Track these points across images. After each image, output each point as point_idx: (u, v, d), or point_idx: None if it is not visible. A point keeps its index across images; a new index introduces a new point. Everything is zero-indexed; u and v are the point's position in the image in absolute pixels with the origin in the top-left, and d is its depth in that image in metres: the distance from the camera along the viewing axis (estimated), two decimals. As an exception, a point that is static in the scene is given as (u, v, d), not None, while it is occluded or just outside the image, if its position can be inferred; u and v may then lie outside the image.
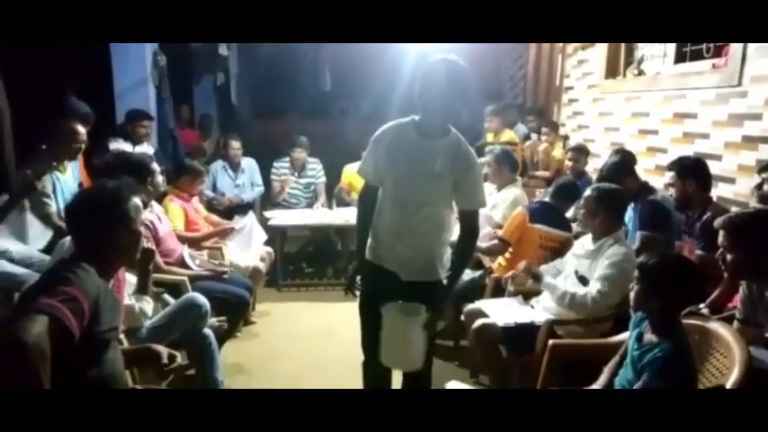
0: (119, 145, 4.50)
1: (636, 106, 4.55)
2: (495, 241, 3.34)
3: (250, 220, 4.07)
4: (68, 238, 2.49)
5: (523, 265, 2.82)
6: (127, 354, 1.88)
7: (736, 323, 2.16)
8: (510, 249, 3.31)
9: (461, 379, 2.96)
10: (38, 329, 1.39)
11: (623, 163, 3.38)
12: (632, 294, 1.92)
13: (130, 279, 2.41)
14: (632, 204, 3.23)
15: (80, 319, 1.52)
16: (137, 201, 1.82)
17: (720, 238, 2.00)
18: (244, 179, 5.18)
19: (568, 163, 4.46)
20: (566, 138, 5.77)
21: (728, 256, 1.97)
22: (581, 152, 4.48)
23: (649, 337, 1.88)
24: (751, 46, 3.24)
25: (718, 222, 2.04)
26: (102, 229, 1.72)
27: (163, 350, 1.91)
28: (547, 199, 3.46)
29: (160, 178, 3.05)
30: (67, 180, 3.39)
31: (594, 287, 2.52)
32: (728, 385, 1.78)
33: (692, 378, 1.82)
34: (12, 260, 2.92)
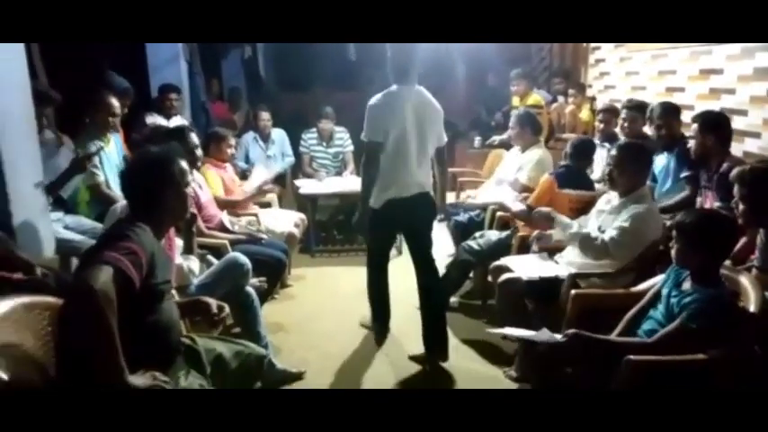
0: (154, 119, 4.70)
1: (662, 64, 4.53)
2: (523, 207, 3.38)
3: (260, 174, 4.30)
4: (119, 204, 2.70)
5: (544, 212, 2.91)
6: (180, 306, 2.06)
7: (754, 270, 2.24)
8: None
9: (488, 336, 3.11)
10: (104, 277, 1.57)
11: (673, 106, 3.46)
12: (673, 252, 2.02)
13: (178, 242, 2.59)
14: (665, 153, 3.34)
15: (139, 270, 1.69)
16: (182, 164, 1.98)
17: (735, 190, 2.07)
18: (275, 150, 5.33)
19: (599, 125, 4.25)
20: (593, 99, 5.75)
21: (740, 206, 2.05)
22: (612, 113, 4.17)
23: (688, 285, 1.98)
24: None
25: (732, 175, 2.11)
26: (152, 190, 1.88)
27: (212, 302, 2.09)
28: (566, 162, 3.50)
29: (199, 150, 3.21)
30: (111, 151, 3.59)
31: (608, 234, 2.60)
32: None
33: (728, 324, 1.88)
34: (66, 227, 3.14)
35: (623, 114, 3.90)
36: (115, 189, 3.35)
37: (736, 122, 3.51)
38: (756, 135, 3.36)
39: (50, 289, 2.36)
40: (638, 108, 3.83)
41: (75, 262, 3.11)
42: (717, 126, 2.88)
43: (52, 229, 2.97)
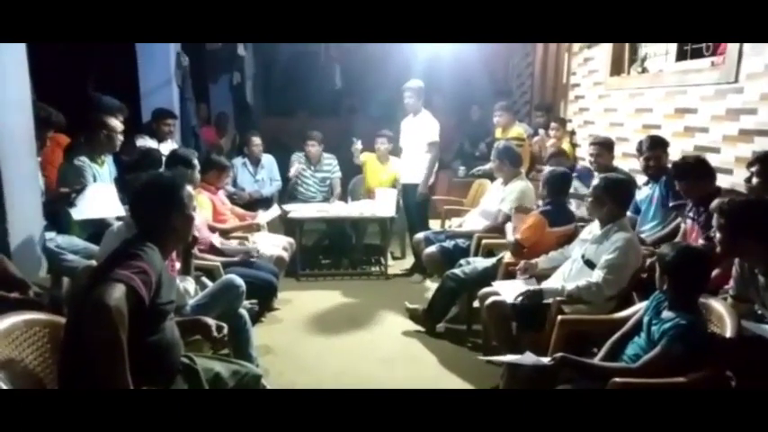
0: (145, 142, 4.74)
1: (639, 102, 4.74)
2: (512, 240, 3.46)
3: (274, 211, 4.33)
4: (117, 225, 2.74)
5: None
6: (180, 324, 2.10)
7: (729, 299, 2.38)
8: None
9: (473, 361, 3.19)
10: (118, 294, 1.62)
11: (661, 139, 3.66)
12: (657, 278, 2.16)
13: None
14: (650, 184, 3.57)
15: (149, 289, 1.75)
16: (189, 189, 2.06)
17: (714, 220, 2.22)
18: (263, 174, 5.41)
19: (590, 158, 4.31)
20: (572, 133, 5.96)
21: (719, 235, 2.19)
22: (603, 146, 4.19)
23: (668, 313, 2.10)
24: (746, 45, 3.43)
25: (712, 206, 2.26)
26: (162, 213, 1.94)
27: (212, 322, 2.14)
28: (543, 192, 3.58)
29: (198, 174, 3.28)
30: (104, 173, 3.63)
31: (600, 275, 2.71)
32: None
33: (705, 347, 2.01)
34: (58, 247, 3.15)
35: (591, 150, 4.25)
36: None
37: (710, 159, 3.69)
38: (729, 172, 3.55)
39: (44, 307, 2.39)
40: (603, 144, 4.22)
41: (66, 282, 3.13)
42: (703, 171, 3.05)
43: (46, 247, 2.99)
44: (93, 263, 2.74)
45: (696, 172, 3.04)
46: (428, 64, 6.07)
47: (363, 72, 7.40)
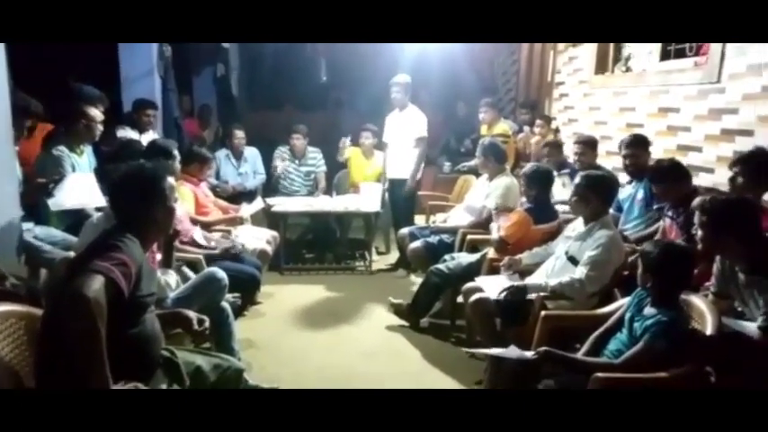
0: (126, 133, 4.67)
1: (623, 101, 4.78)
2: (497, 237, 3.46)
3: (258, 204, 4.28)
4: (96, 215, 2.69)
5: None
6: (161, 317, 2.07)
7: (710, 296, 2.40)
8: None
9: (457, 356, 3.20)
10: (97, 286, 1.58)
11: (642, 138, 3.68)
12: (639, 275, 2.17)
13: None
14: (633, 183, 3.57)
15: (129, 281, 1.71)
16: (171, 180, 2.02)
17: (695, 217, 2.24)
18: (246, 168, 5.36)
19: (574, 156, 4.36)
20: (556, 130, 5.99)
21: (700, 233, 2.21)
22: (587, 145, 4.29)
23: (650, 309, 2.12)
24: (729, 45, 3.47)
25: (694, 204, 2.28)
26: (143, 205, 1.91)
27: (192, 315, 2.12)
28: (525, 187, 3.60)
29: (178, 165, 3.23)
30: (83, 163, 3.56)
31: (583, 272, 2.72)
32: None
33: (686, 343, 2.03)
34: (36, 237, 3.09)
35: (574, 149, 4.33)
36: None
37: (692, 158, 3.75)
38: (710, 171, 3.60)
39: (22, 298, 2.33)
40: (586, 143, 4.31)
41: (43, 272, 3.07)
42: (677, 173, 3.09)
43: (23, 238, 2.93)
44: (72, 254, 2.69)
45: (672, 175, 3.08)
46: (415, 59, 6.06)
47: (350, 66, 7.36)
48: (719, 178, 3.49)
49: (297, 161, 5.43)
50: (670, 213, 3.11)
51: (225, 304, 2.80)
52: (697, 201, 2.26)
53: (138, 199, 1.91)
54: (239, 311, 3.22)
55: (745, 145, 3.25)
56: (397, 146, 5.00)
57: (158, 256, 2.60)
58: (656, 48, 4.54)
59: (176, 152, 3.21)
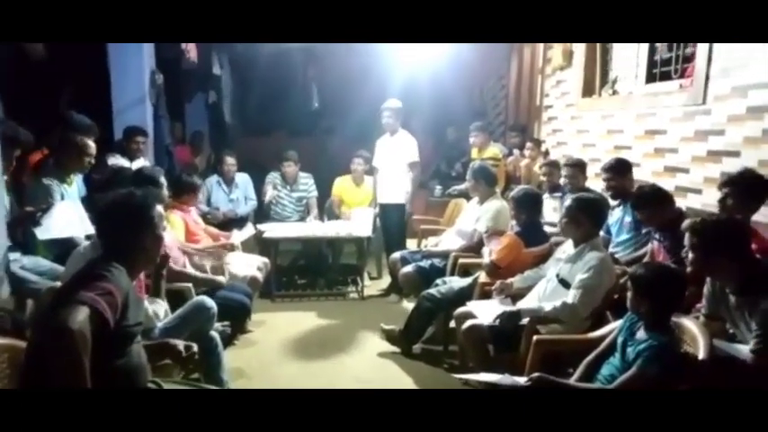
0: (117, 160, 4.65)
1: (611, 123, 4.83)
2: (488, 261, 3.45)
3: (249, 230, 4.26)
4: (83, 245, 2.66)
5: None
6: (147, 348, 2.04)
7: (701, 318, 2.39)
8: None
9: (449, 382, 3.16)
10: (81, 317, 1.56)
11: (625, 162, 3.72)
12: (628, 299, 2.16)
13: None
14: (621, 206, 3.58)
15: (114, 311, 1.69)
16: (160, 208, 2.01)
17: (686, 239, 2.25)
18: (238, 194, 5.35)
19: (564, 179, 4.42)
20: (546, 153, 6.04)
21: (691, 255, 2.21)
22: (577, 168, 4.38)
23: (642, 333, 2.11)
24: (713, 67, 3.52)
25: (684, 225, 2.29)
26: (131, 233, 1.89)
27: (179, 342, 2.09)
28: (514, 211, 3.65)
29: (166, 191, 3.22)
30: (72, 192, 3.54)
31: (575, 296, 2.72)
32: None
33: (679, 368, 2.02)
34: (23, 268, 3.05)
35: (564, 171, 4.38)
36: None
37: (680, 180, 3.79)
38: (698, 191, 3.62)
39: (6, 331, 2.30)
40: (576, 165, 4.36)
41: (30, 303, 3.03)
42: (656, 199, 3.13)
43: (9, 269, 2.89)
44: (58, 284, 2.65)
45: (654, 200, 3.11)
46: (405, 85, 6.12)
47: (340, 92, 7.42)
48: (707, 199, 3.51)
49: (288, 187, 5.42)
50: (657, 236, 3.12)
51: (213, 333, 2.77)
52: (687, 222, 2.27)
53: (126, 226, 1.89)
54: (229, 340, 3.18)
55: (732, 166, 3.27)
56: (388, 171, 5.01)
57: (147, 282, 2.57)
58: (641, 71, 4.61)
59: (163, 179, 3.20)
